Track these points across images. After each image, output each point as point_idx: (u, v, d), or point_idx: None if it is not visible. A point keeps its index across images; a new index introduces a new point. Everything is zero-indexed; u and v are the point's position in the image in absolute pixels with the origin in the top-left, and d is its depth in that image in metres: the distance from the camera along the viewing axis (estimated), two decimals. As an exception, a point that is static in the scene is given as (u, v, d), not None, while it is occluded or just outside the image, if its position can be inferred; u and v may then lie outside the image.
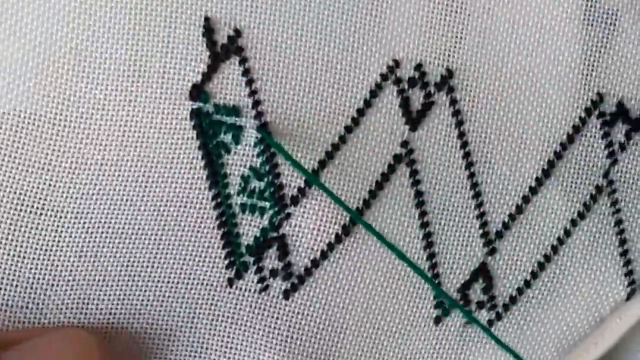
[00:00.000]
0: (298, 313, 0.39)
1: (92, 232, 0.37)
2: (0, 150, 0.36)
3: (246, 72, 0.37)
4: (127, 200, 0.37)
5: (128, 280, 0.37)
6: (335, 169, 0.38)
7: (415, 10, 0.38)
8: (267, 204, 0.38)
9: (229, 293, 0.38)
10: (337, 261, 0.38)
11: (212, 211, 0.37)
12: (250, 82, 0.37)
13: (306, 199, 0.37)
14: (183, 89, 0.36)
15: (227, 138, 0.37)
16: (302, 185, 0.37)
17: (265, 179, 0.37)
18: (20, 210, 0.36)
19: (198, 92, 0.36)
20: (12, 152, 0.36)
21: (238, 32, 0.37)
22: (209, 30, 0.36)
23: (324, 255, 0.38)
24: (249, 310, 0.38)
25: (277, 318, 0.39)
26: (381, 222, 0.39)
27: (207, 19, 0.36)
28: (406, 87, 0.38)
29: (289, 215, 0.38)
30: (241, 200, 0.37)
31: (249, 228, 0.38)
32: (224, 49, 0.37)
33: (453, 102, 0.38)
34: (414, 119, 0.38)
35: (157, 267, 0.37)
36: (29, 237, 0.36)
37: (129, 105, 0.36)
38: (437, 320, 0.40)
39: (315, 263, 0.38)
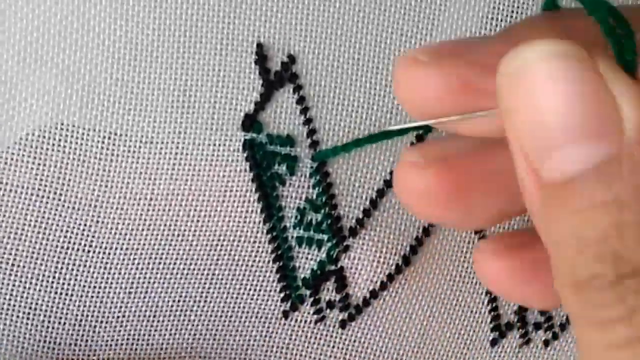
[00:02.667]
0: (355, 341, 0.38)
1: (142, 268, 0.35)
2: (45, 187, 0.34)
3: (301, 100, 0.35)
4: (178, 235, 0.35)
5: (180, 315, 0.36)
6: (393, 198, 0.36)
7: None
8: (325, 237, 0.36)
9: (284, 325, 0.37)
10: (397, 291, 0.37)
11: (267, 245, 0.36)
12: (305, 111, 0.35)
13: (365, 230, 0.36)
14: (235, 119, 0.35)
15: (282, 169, 0.35)
16: (361, 216, 0.36)
17: (322, 211, 0.36)
18: (67, 247, 0.35)
19: (251, 122, 0.35)
20: (58, 189, 0.34)
21: (292, 59, 0.35)
22: (261, 57, 0.34)
23: (384, 286, 0.37)
24: (304, 340, 0.37)
25: (333, 347, 0.38)
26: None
27: (259, 46, 0.34)
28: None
29: (347, 247, 0.36)
30: (297, 234, 0.36)
31: (306, 261, 0.36)
32: (277, 76, 0.35)
33: None
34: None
35: (210, 302, 0.36)
36: (76, 275, 0.35)
37: (178, 138, 0.34)
38: (494, 343, 0.39)
39: (374, 294, 0.37)
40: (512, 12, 0.36)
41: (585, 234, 0.22)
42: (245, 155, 0.35)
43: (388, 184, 0.36)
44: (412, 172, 0.30)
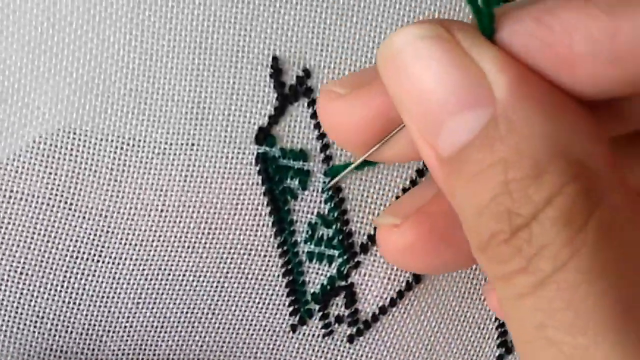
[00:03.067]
0: (362, 356, 0.38)
1: (151, 279, 0.35)
2: (56, 196, 0.34)
3: (315, 114, 0.35)
4: (188, 247, 0.35)
5: (187, 326, 0.36)
6: (406, 214, 0.36)
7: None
8: (336, 252, 0.36)
9: (292, 338, 0.37)
10: (406, 307, 0.37)
11: (277, 259, 0.35)
12: (318, 125, 0.35)
13: (376, 246, 0.36)
14: (249, 132, 0.34)
15: (294, 183, 0.35)
16: (372, 233, 0.36)
17: (334, 226, 0.35)
18: (76, 257, 0.35)
19: (264, 135, 0.34)
20: (69, 198, 0.34)
21: (307, 73, 0.34)
22: (277, 70, 0.34)
23: (393, 302, 0.37)
24: (312, 353, 0.37)
25: (341, 361, 0.38)
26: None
27: (275, 59, 0.34)
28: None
29: (358, 263, 0.36)
30: (308, 248, 0.36)
31: (316, 276, 0.36)
32: (292, 90, 0.34)
33: None
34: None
35: (218, 314, 0.36)
36: (85, 284, 0.35)
37: (191, 149, 0.34)
38: (500, 359, 0.39)
39: (383, 310, 0.37)
40: None
41: (480, 198, 0.23)
42: (257, 168, 0.34)
43: (400, 200, 0.36)
44: (390, 234, 0.31)
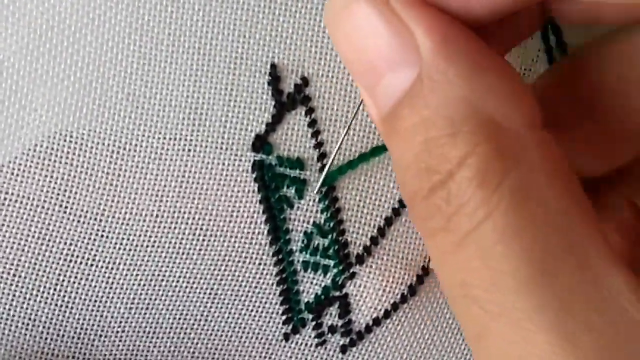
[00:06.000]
0: (354, 367, 0.37)
1: (144, 285, 0.35)
2: (51, 199, 0.33)
3: (312, 123, 0.34)
4: (182, 253, 0.35)
5: (180, 332, 0.36)
6: (401, 227, 0.36)
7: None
8: (331, 262, 0.36)
9: (284, 347, 0.37)
10: (400, 319, 0.37)
11: (272, 267, 0.35)
12: (316, 134, 0.35)
13: (372, 258, 0.36)
14: (245, 139, 0.34)
15: (291, 192, 0.35)
16: (368, 244, 0.35)
17: (330, 236, 0.35)
18: (70, 260, 0.34)
19: (261, 143, 0.34)
20: (64, 201, 0.34)
21: (306, 81, 0.34)
22: (275, 78, 0.34)
23: (387, 314, 0.36)
24: (304, 363, 0.37)
25: (333, 372, 0.37)
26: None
27: (273, 66, 0.34)
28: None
29: (353, 274, 0.36)
30: (304, 258, 0.35)
31: (310, 286, 0.36)
32: (290, 98, 0.34)
33: None
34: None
35: (211, 321, 0.36)
36: (77, 288, 0.35)
37: (187, 155, 0.34)
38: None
39: (377, 321, 0.36)
40: None
41: (406, 155, 0.24)
42: (254, 176, 0.34)
43: (396, 212, 0.36)
44: None
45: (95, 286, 0.35)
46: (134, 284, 0.35)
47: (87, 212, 0.34)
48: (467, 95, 0.24)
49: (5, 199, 0.33)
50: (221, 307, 0.35)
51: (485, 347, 0.24)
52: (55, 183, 0.33)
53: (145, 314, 0.35)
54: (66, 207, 0.34)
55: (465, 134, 0.23)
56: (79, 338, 0.35)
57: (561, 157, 0.25)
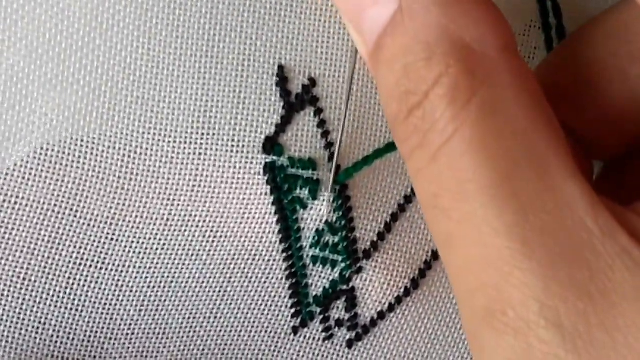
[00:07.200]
0: (360, 360, 0.38)
1: (154, 287, 0.35)
2: (61, 203, 0.34)
3: (322, 123, 0.35)
4: (192, 255, 0.35)
5: (190, 332, 0.36)
6: (406, 222, 0.37)
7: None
8: (340, 257, 0.36)
9: (293, 341, 0.37)
10: (404, 313, 0.38)
11: (281, 263, 0.36)
12: (326, 134, 0.35)
13: (378, 252, 0.36)
14: (256, 141, 0.34)
15: (304, 193, 0.35)
16: (375, 239, 0.36)
17: (340, 234, 0.36)
18: (80, 264, 0.35)
19: (272, 144, 0.35)
20: (75, 205, 0.34)
21: (313, 82, 0.35)
22: (282, 79, 0.34)
23: (391, 308, 0.37)
24: (312, 357, 0.38)
25: (340, 365, 0.38)
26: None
27: (281, 68, 0.34)
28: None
29: (360, 269, 0.37)
30: (313, 253, 0.36)
31: (319, 279, 0.37)
32: (298, 99, 0.35)
33: None
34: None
35: (220, 317, 0.36)
36: (87, 291, 0.35)
37: (198, 159, 0.34)
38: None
39: (381, 315, 0.37)
40: None
41: (389, 82, 0.26)
42: (266, 178, 0.35)
43: (402, 208, 0.36)
44: None
45: (105, 289, 0.35)
46: (143, 287, 0.35)
47: (97, 215, 0.34)
48: (442, 21, 0.25)
49: (16, 202, 0.33)
50: (231, 304, 0.36)
51: (451, 252, 0.26)
52: (67, 187, 0.34)
53: (155, 315, 0.35)
54: (77, 211, 0.34)
55: (439, 56, 0.25)
56: (89, 341, 0.35)
57: (530, 77, 0.26)
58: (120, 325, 0.35)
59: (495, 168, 0.24)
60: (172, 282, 0.35)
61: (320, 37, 0.34)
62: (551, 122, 0.26)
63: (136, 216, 0.34)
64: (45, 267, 0.34)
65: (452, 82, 0.25)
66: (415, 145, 0.26)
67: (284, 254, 0.36)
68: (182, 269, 0.35)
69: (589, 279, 0.24)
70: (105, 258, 0.35)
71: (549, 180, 0.25)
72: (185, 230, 0.35)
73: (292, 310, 0.37)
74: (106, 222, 0.34)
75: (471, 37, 0.25)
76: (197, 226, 0.35)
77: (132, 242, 0.34)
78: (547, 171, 0.25)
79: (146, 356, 0.36)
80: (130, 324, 0.35)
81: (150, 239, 0.35)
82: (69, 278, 0.35)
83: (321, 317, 0.37)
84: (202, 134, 0.34)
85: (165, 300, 0.35)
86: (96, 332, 0.35)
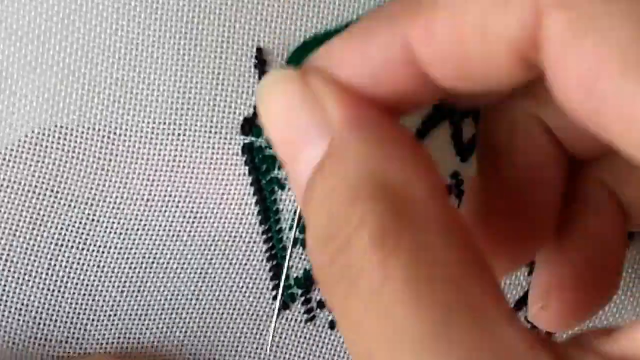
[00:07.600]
0: (343, 342, 0.38)
1: (135, 268, 0.35)
2: (42, 185, 0.34)
3: (300, 104, 0.35)
4: (173, 235, 0.35)
5: (172, 313, 0.36)
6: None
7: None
8: (319, 239, 0.36)
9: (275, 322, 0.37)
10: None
11: (262, 245, 0.36)
12: (303, 115, 0.35)
13: None
14: (234, 122, 0.35)
15: (282, 174, 0.35)
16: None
17: (319, 214, 0.36)
18: (62, 245, 0.35)
19: (250, 125, 0.35)
20: (55, 187, 0.34)
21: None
22: (261, 61, 0.35)
23: (373, 289, 0.37)
24: (295, 339, 0.38)
25: (322, 347, 0.38)
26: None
27: (259, 50, 0.34)
28: (458, 118, 0.37)
29: (340, 250, 0.37)
30: (293, 235, 0.36)
31: (299, 261, 0.37)
32: (277, 81, 0.35)
33: None
34: (465, 150, 0.37)
35: (202, 299, 0.36)
36: (69, 272, 0.35)
37: (177, 139, 0.34)
38: None
39: (363, 296, 0.37)
40: None
41: (315, 226, 0.26)
42: (244, 159, 0.35)
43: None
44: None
45: (87, 270, 0.35)
46: (125, 267, 0.35)
47: (78, 196, 0.34)
48: (369, 164, 0.25)
49: (-4, 185, 0.34)
50: (212, 286, 0.36)
51: None
52: (47, 168, 0.34)
53: (137, 296, 0.36)
54: (57, 192, 0.34)
55: (363, 199, 0.24)
56: (72, 322, 0.36)
57: (459, 220, 0.26)
58: (102, 306, 0.36)
59: (429, 318, 0.23)
60: (153, 262, 0.35)
61: (298, 19, 0.35)
62: (483, 265, 0.25)
63: (116, 196, 0.35)
64: (27, 249, 0.35)
65: (376, 226, 0.24)
66: (344, 296, 0.24)
67: (264, 236, 0.36)
68: (162, 249, 0.35)
69: None
70: (86, 239, 0.35)
71: (486, 326, 0.23)
72: (165, 211, 0.35)
73: (274, 293, 0.37)
74: (87, 203, 0.34)
75: (397, 179, 0.25)
76: (177, 206, 0.35)
77: (113, 222, 0.35)
78: (483, 316, 0.23)
79: (129, 337, 0.36)
80: (112, 305, 0.36)
81: (130, 219, 0.35)
82: (51, 259, 0.35)
83: (302, 298, 0.37)
84: (181, 115, 0.34)
85: (146, 281, 0.36)
86: (79, 313, 0.36)
